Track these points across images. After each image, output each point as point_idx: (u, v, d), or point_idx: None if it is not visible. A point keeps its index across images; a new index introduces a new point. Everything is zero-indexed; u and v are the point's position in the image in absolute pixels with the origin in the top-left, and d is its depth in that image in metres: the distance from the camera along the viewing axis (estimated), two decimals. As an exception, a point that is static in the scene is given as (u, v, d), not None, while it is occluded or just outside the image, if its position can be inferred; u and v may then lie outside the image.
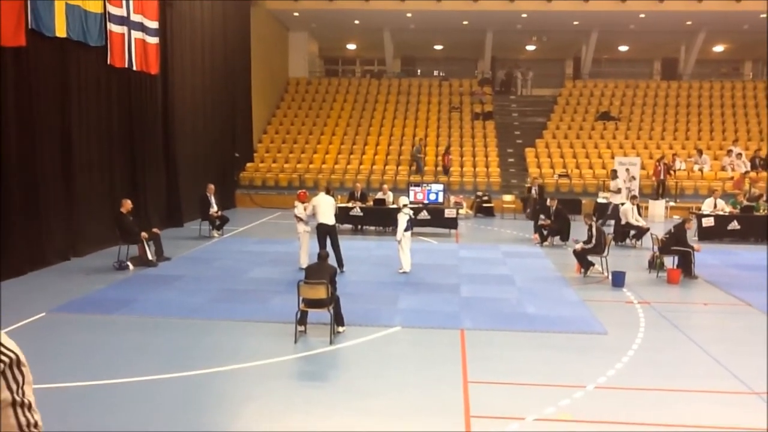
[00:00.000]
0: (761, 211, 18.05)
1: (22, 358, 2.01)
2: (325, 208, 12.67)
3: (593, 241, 12.92)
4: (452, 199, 21.37)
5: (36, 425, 2.07)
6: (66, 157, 13.65)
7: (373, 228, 18.65)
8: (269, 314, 9.60)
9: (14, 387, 2.00)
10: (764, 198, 19.18)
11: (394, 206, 16.64)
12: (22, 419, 2.03)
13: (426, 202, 18.60)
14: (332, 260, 12.24)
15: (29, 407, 2.05)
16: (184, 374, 7.25)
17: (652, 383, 7.13)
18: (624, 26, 30.15)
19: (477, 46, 33.41)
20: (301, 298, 8.44)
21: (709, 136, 28.10)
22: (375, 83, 32.60)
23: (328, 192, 13.48)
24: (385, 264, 13.43)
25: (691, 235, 15.36)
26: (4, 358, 1.97)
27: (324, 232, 12.58)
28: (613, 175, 21.26)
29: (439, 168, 25.67)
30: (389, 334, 8.87)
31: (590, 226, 13.18)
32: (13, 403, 2.01)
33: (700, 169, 25.04)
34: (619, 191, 20.11)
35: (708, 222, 17.57)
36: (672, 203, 22.91)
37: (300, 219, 12.83)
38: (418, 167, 25.41)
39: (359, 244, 16.10)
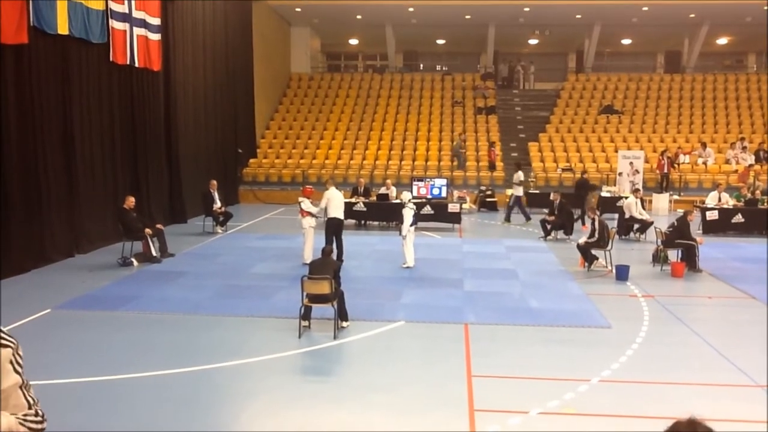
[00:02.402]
0: (765, 204, 18.00)
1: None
2: (338, 203, 12.85)
3: (596, 235, 12.91)
4: (455, 193, 21.35)
5: (36, 402, 2.34)
6: (68, 154, 13.66)
7: (376, 223, 18.65)
8: (273, 310, 9.62)
9: (20, 369, 2.26)
10: (760, 190, 19.18)
11: (398, 201, 16.64)
12: (29, 398, 2.31)
13: (429, 197, 18.59)
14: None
15: (29, 387, 2.32)
16: (188, 370, 7.27)
17: (656, 377, 7.12)
18: (627, 19, 30.05)
19: (479, 41, 33.33)
20: (304, 294, 8.45)
21: (713, 129, 28.01)
22: (377, 78, 32.56)
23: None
24: (389, 259, 13.43)
25: (696, 229, 15.33)
26: (11, 342, 2.25)
27: (336, 225, 12.71)
28: (516, 167, 21.67)
29: (482, 163, 25.69)
30: (393, 329, 8.88)
31: (593, 220, 13.16)
32: (22, 385, 2.27)
33: (704, 163, 24.97)
34: (520, 183, 20.28)
35: (712, 215, 17.53)
36: (676, 197, 22.86)
37: (309, 214, 12.81)
38: (460, 162, 25.40)
39: (363, 239, 16.10)
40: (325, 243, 12.14)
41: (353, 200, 18.26)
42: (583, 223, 17.44)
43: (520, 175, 20.55)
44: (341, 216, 12.90)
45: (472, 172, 25.20)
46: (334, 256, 12.27)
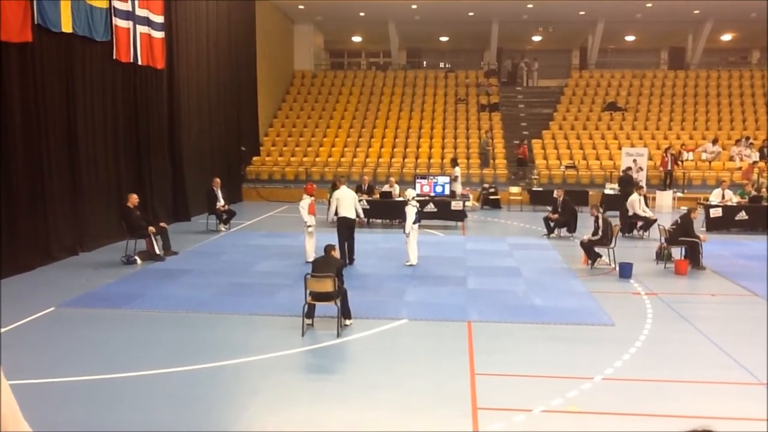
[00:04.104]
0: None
1: None
2: (348, 202, 12.71)
3: (600, 232, 12.88)
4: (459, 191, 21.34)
5: None
6: (72, 151, 13.69)
7: (379, 221, 18.65)
8: (276, 308, 9.63)
9: None
10: (765, 187, 19.11)
11: (401, 199, 16.65)
12: None
13: (432, 194, 18.58)
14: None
15: None
16: (191, 368, 7.29)
17: (659, 374, 7.12)
18: (630, 16, 29.98)
19: (483, 38, 33.28)
20: (308, 292, 8.47)
21: (717, 125, 27.94)
22: (380, 75, 32.53)
23: (335, 186, 13.56)
24: (392, 257, 13.43)
25: (699, 226, 15.29)
26: None
27: (346, 225, 12.62)
28: (453, 163, 22.06)
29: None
30: (396, 327, 8.89)
31: (597, 218, 13.13)
32: None
33: (708, 160, 24.88)
34: (456, 179, 20.46)
35: (716, 212, 17.49)
36: (679, 194, 22.81)
37: (308, 225, 12.78)
38: (486, 160, 25.45)
39: (366, 237, 16.05)
40: (338, 243, 12.20)
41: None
42: None
43: (456, 171, 20.81)
44: (351, 215, 12.68)
45: (475, 170, 25.17)
46: (338, 256, 12.32)
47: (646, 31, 33.14)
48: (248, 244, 15.02)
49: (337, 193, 12.93)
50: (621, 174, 21.25)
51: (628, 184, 19.50)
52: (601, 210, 13.89)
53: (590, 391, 6.66)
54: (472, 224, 18.93)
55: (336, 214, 12.82)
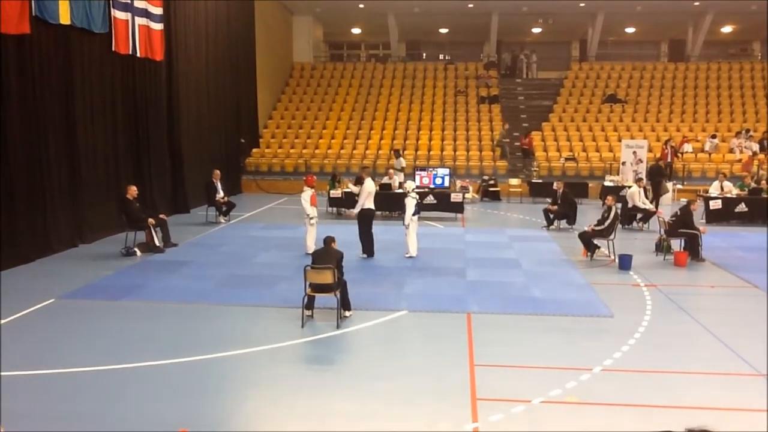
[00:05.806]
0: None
1: None
2: (372, 194, 12.84)
3: (606, 223, 12.82)
4: (458, 183, 21.33)
5: None
6: (71, 144, 13.67)
7: (379, 213, 18.60)
8: (276, 299, 9.64)
9: None
10: (765, 179, 19.09)
11: (400, 191, 16.64)
12: None
13: (432, 186, 18.57)
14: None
15: None
16: (191, 359, 7.30)
17: (658, 365, 7.14)
18: (630, 8, 29.89)
19: (482, 30, 33.18)
20: (307, 283, 8.47)
21: (717, 117, 27.89)
22: (380, 68, 32.46)
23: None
24: (392, 248, 13.41)
25: (699, 218, 15.29)
26: None
27: (371, 216, 12.67)
28: (396, 154, 22.31)
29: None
30: (396, 318, 8.90)
31: (610, 208, 13.01)
32: None
33: (709, 152, 24.85)
34: (402, 170, 20.49)
35: (716, 204, 17.48)
36: (679, 186, 22.80)
37: (311, 217, 12.77)
38: (503, 153, 25.44)
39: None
40: (361, 234, 12.50)
41: (356, 190, 18.20)
42: (656, 208, 17.10)
43: (401, 162, 21.00)
44: (373, 207, 12.80)
45: (474, 162, 25.15)
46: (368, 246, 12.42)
47: (646, 23, 33.03)
48: (248, 236, 15.03)
49: (367, 182, 12.86)
50: (651, 164, 21.27)
51: (657, 173, 19.53)
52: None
53: (589, 382, 6.68)
54: (472, 216, 18.93)
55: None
